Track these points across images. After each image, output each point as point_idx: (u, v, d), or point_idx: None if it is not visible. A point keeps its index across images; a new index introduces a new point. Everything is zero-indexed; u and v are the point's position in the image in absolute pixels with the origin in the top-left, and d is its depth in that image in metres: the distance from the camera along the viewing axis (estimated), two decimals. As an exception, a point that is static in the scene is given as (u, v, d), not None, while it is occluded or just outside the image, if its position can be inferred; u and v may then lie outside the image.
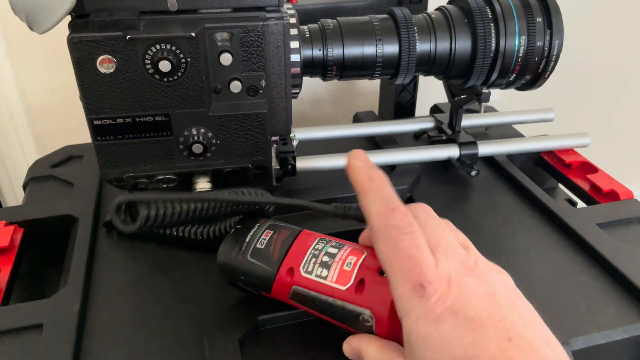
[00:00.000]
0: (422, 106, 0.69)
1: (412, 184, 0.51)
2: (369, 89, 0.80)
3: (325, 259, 0.32)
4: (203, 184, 0.43)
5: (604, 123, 0.93)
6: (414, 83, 0.65)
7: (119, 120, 0.40)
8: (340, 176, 0.51)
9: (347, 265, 0.32)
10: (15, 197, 0.76)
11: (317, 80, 0.49)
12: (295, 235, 0.34)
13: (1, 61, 0.67)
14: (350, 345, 0.32)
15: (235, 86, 0.40)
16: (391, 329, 0.30)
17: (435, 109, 0.65)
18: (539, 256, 0.43)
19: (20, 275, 0.42)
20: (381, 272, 0.31)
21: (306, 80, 0.44)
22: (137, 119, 0.40)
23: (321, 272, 0.32)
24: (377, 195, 0.28)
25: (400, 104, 0.65)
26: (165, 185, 0.44)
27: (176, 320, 0.37)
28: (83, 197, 0.48)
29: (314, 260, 0.32)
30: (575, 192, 0.53)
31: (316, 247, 0.33)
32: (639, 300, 0.39)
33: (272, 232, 0.35)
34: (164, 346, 0.35)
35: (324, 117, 0.81)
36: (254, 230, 0.35)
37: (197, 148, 0.42)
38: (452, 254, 0.27)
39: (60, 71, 0.69)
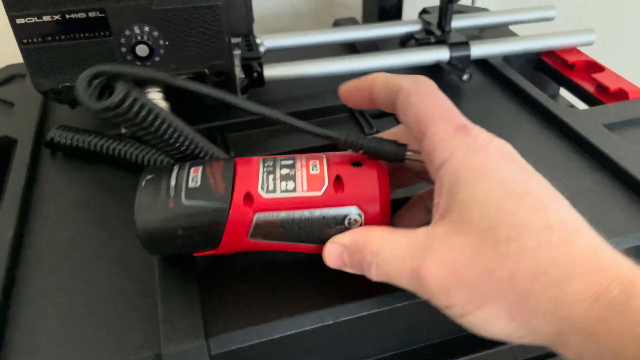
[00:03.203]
0: (410, 15, 0.62)
1: (396, 91, 0.45)
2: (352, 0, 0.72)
3: (285, 171, 0.27)
4: (154, 94, 0.38)
5: (611, 19, 0.85)
6: (399, -15, 0.58)
7: (46, 18, 0.34)
8: (316, 86, 0.46)
9: (313, 169, 0.27)
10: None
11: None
12: (233, 162, 0.27)
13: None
14: (340, 243, 0.26)
15: (180, -29, 0.34)
16: (385, 222, 0.27)
17: (424, 13, 0.58)
18: (537, 162, 0.37)
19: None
20: (353, 164, 0.27)
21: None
22: (68, 16, 0.35)
23: (287, 185, 0.26)
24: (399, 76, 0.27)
25: (384, 10, 0.59)
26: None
27: (124, 242, 0.32)
28: (24, 117, 0.43)
29: (271, 177, 0.26)
30: (579, 96, 0.48)
31: (266, 165, 0.27)
32: (650, 203, 0.34)
33: (200, 167, 0.27)
34: (109, 270, 0.31)
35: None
36: (175, 172, 0.27)
37: (142, 50, 0.36)
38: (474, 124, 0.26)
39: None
